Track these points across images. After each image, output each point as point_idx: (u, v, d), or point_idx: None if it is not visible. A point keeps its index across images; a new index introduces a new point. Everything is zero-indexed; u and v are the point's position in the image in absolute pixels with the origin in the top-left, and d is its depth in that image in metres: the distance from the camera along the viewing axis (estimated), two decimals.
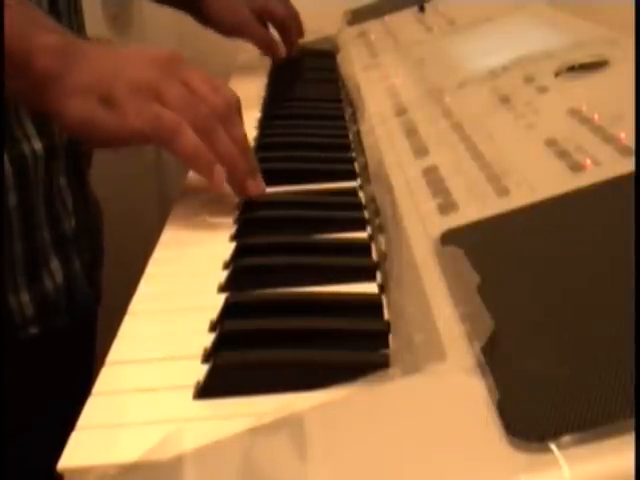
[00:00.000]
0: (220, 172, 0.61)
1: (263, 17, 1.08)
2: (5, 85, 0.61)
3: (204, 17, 1.06)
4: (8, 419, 0.69)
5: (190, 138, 0.60)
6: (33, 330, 0.74)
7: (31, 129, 0.73)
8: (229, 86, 0.67)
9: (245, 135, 0.65)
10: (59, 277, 0.77)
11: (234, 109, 0.64)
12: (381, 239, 0.57)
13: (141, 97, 0.59)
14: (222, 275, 0.54)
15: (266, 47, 1.09)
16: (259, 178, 0.66)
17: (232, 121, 0.63)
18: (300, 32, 1.14)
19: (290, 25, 1.11)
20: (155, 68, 0.61)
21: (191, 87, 0.62)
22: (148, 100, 0.59)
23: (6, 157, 0.70)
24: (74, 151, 0.80)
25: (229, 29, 1.06)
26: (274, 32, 1.11)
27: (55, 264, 0.76)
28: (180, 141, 0.59)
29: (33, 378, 0.76)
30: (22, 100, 0.67)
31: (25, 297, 0.73)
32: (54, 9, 0.76)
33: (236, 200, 0.67)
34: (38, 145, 0.73)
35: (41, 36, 0.59)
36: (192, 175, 0.74)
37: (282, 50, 1.10)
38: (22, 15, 0.60)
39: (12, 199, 0.72)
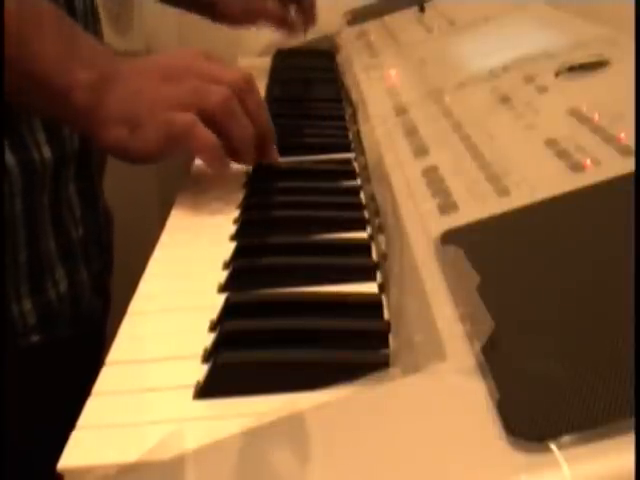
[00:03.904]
0: (227, 164, 0.67)
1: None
2: (37, 108, 0.67)
3: (216, 11, 1.04)
4: (10, 426, 0.69)
5: (201, 137, 0.64)
6: (34, 338, 0.74)
7: (42, 137, 0.72)
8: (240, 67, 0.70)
9: (260, 104, 0.70)
10: (63, 286, 0.76)
11: (245, 81, 0.68)
12: (381, 239, 0.57)
13: (158, 112, 0.64)
14: (222, 275, 0.54)
15: (282, 23, 1.07)
16: (272, 148, 0.72)
17: (245, 92, 0.67)
18: (313, 19, 1.12)
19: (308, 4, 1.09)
20: (168, 79, 0.65)
21: (203, 77, 0.66)
22: (164, 112, 0.64)
23: (14, 161, 0.70)
24: (85, 159, 0.79)
25: (242, 16, 1.04)
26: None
27: (60, 273, 0.76)
28: (193, 141, 0.64)
29: (35, 386, 0.75)
30: (45, 117, 0.72)
31: (27, 305, 0.73)
32: (71, 12, 0.76)
33: (236, 200, 0.67)
34: (48, 153, 0.72)
35: (79, 72, 0.64)
36: (193, 175, 0.74)
37: (300, 27, 1.08)
38: (63, 42, 0.64)
39: (18, 204, 0.71)
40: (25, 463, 0.72)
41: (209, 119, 0.64)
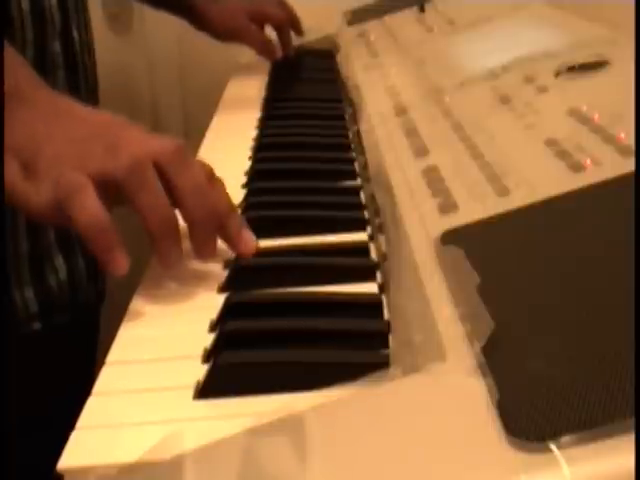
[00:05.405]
0: (120, 259, 0.50)
1: (260, 20, 1.10)
2: None
3: (201, 22, 1.08)
4: (10, 413, 0.70)
5: (89, 203, 0.49)
6: (36, 326, 0.76)
7: None
8: (175, 138, 0.54)
9: (194, 183, 0.53)
10: (63, 274, 0.78)
11: (173, 153, 0.52)
12: (381, 239, 0.57)
13: (60, 167, 0.51)
14: (222, 275, 0.54)
15: (264, 50, 1.11)
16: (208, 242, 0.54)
17: (173, 165, 0.52)
18: (299, 32, 1.15)
19: (287, 27, 1.13)
20: (85, 135, 0.53)
21: (119, 144, 0.52)
22: (66, 170, 0.51)
23: None
24: None
25: (226, 34, 1.08)
26: (271, 34, 1.12)
27: (59, 261, 0.77)
28: (72, 211, 0.49)
29: (35, 373, 0.76)
30: None
31: (29, 293, 0.75)
32: (63, 6, 0.77)
33: (236, 199, 0.67)
34: None
35: None
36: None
37: (279, 52, 1.12)
38: None
39: None
40: (25, 463, 0.73)
41: (116, 188, 0.51)
